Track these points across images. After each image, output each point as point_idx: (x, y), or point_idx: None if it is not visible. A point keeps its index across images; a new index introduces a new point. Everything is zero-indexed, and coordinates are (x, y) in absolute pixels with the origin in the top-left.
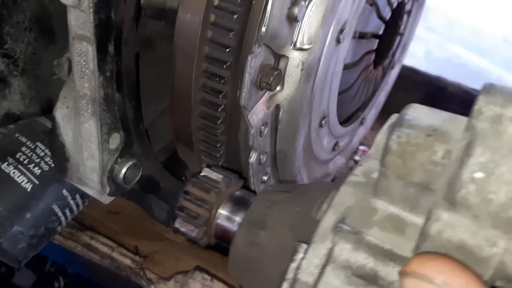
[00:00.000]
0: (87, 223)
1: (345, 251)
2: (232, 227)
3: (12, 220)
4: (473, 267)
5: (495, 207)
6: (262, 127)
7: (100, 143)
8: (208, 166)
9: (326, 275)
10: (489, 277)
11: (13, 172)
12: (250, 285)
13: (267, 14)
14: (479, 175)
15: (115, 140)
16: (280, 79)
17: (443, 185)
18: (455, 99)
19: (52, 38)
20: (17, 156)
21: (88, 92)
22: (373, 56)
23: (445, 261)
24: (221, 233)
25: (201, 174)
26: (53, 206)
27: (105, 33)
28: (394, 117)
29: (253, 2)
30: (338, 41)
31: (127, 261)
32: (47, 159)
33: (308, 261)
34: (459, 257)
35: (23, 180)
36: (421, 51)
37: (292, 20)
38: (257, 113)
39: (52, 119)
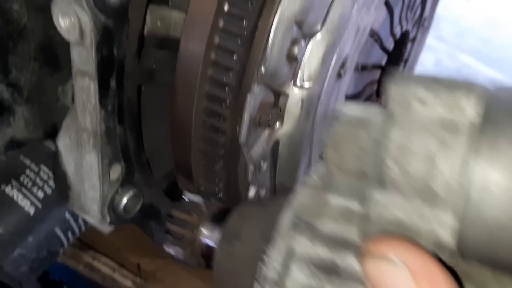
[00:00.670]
0: (90, 239)
1: (303, 245)
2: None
3: (15, 243)
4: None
5: (418, 181)
6: (261, 163)
7: (101, 175)
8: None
9: (291, 271)
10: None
11: (17, 196)
12: None
13: (267, 55)
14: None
15: (116, 171)
16: (280, 116)
17: (372, 168)
18: None
19: (57, 66)
20: (21, 179)
21: (90, 126)
22: (375, 86)
23: (399, 242)
24: (206, 251)
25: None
26: (55, 229)
27: (107, 69)
28: None
29: (253, 42)
30: (339, 75)
31: (128, 283)
32: (51, 182)
33: (272, 259)
34: (400, 234)
35: (26, 204)
36: (431, 61)
37: (292, 59)
38: (256, 149)
39: (55, 147)
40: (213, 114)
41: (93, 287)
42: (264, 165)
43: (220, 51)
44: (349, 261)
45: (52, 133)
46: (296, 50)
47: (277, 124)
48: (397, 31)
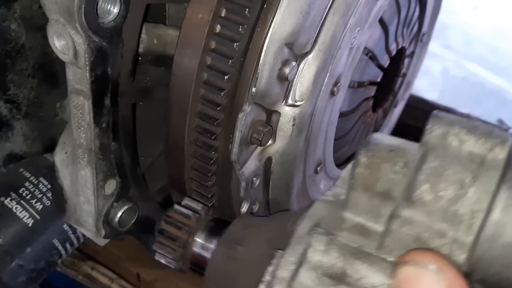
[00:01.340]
0: (91, 248)
1: (318, 252)
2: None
3: (13, 254)
4: None
5: (444, 203)
6: (254, 179)
7: (95, 189)
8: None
9: (300, 276)
10: None
11: (16, 208)
12: None
13: (257, 75)
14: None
15: (111, 186)
16: (271, 134)
17: (403, 189)
18: None
19: (55, 83)
20: (20, 191)
21: (84, 142)
22: (371, 102)
23: (437, 254)
24: (197, 258)
25: (174, 209)
26: (53, 241)
27: (102, 88)
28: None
29: (245, 63)
30: (332, 93)
31: None
32: (49, 194)
33: (285, 259)
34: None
35: (25, 215)
36: (438, 69)
37: (283, 79)
38: (249, 166)
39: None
40: (205, 132)
41: None
42: (257, 181)
43: (212, 72)
44: (361, 271)
45: (51, 147)
46: (287, 70)
47: (270, 141)
48: (393, 48)
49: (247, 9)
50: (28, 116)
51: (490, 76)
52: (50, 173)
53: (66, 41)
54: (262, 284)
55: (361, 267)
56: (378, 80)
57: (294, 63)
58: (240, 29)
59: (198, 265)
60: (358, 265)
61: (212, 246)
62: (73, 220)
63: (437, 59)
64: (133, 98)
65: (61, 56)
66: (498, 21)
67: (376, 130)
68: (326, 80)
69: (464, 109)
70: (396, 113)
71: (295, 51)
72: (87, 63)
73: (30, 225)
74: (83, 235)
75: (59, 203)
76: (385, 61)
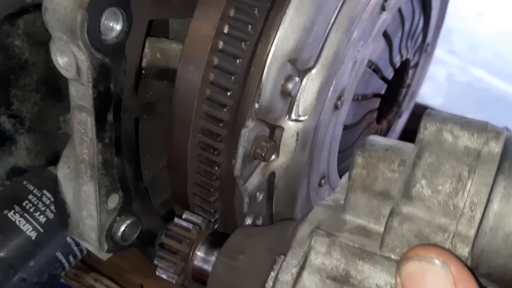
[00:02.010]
0: (95, 259)
1: (320, 254)
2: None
3: (16, 267)
4: None
5: (443, 197)
6: (257, 194)
7: (98, 204)
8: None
9: (302, 279)
10: None
11: (19, 221)
12: None
13: (260, 91)
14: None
15: (114, 200)
16: (275, 149)
17: (401, 187)
18: None
19: (58, 97)
20: (24, 204)
21: (87, 158)
22: (375, 114)
23: (441, 248)
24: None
25: (174, 223)
26: (57, 253)
27: (104, 104)
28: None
29: (247, 79)
30: (336, 107)
31: None
32: (53, 207)
33: (287, 263)
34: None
35: (28, 229)
36: (443, 75)
37: (286, 95)
38: (252, 181)
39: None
40: (208, 148)
41: None
42: (260, 196)
43: (215, 88)
44: (364, 271)
45: (54, 160)
46: (290, 86)
47: (273, 156)
48: (397, 60)
49: (249, 26)
50: (32, 130)
51: (496, 81)
52: (53, 186)
53: (69, 58)
54: None
55: (364, 268)
56: (382, 92)
57: (297, 79)
58: (243, 46)
59: (200, 279)
60: (361, 266)
61: (213, 258)
62: (76, 234)
63: (441, 65)
64: (136, 113)
65: (64, 72)
66: (503, 25)
67: None
68: (329, 94)
69: (469, 115)
70: (400, 123)
71: (298, 67)
72: (89, 79)
73: (33, 238)
74: (86, 248)
75: (62, 217)
76: (389, 74)
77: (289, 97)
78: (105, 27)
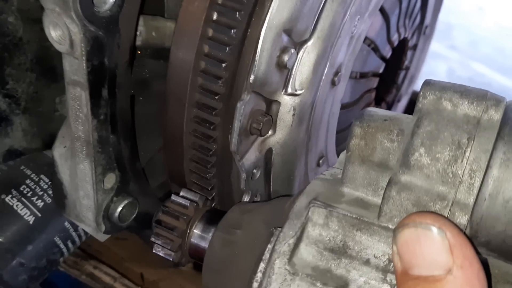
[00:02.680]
0: (94, 248)
1: (317, 225)
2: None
3: (14, 252)
4: None
5: (442, 164)
6: (254, 170)
7: (94, 183)
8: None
9: (300, 251)
10: None
11: (17, 205)
12: None
13: (256, 63)
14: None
15: (111, 180)
16: (271, 124)
17: (400, 156)
18: None
19: (53, 77)
20: (21, 188)
21: (82, 135)
22: (373, 94)
23: (437, 215)
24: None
25: (171, 200)
26: (55, 238)
27: (99, 79)
28: None
29: (242, 51)
30: (333, 83)
31: None
32: (50, 191)
33: (284, 234)
34: None
35: (26, 213)
36: (443, 70)
37: (282, 67)
38: (249, 157)
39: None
40: (204, 122)
41: None
42: (257, 173)
43: (210, 60)
44: (362, 242)
45: (51, 143)
46: (286, 58)
47: (270, 132)
48: (395, 39)
49: None
50: (27, 111)
51: (497, 76)
52: (50, 170)
53: (62, 31)
54: (262, 262)
55: (362, 238)
56: (380, 71)
57: (293, 51)
58: (237, 16)
59: (197, 256)
60: (359, 236)
61: (210, 235)
62: (73, 216)
63: (442, 60)
64: (131, 90)
65: (57, 46)
66: (503, 21)
67: None
68: (326, 69)
69: None
70: (400, 108)
71: (294, 39)
72: (83, 53)
73: (31, 222)
74: (85, 233)
75: (58, 198)
76: (387, 52)
77: (285, 70)
78: None
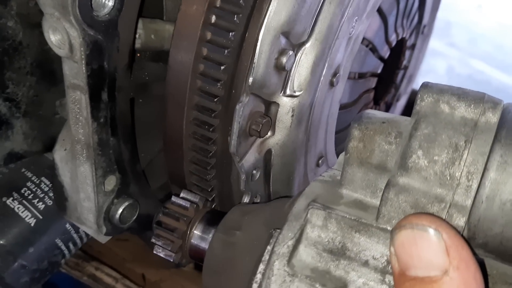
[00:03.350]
0: (96, 250)
1: (316, 227)
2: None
3: (15, 254)
4: None
5: (440, 167)
6: (254, 172)
7: (95, 186)
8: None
9: (299, 253)
10: None
11: (18, 208)
12: None
13: (254, 65)
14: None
15: (111, 182)
16: (270, 125)
17: (398, 159)
18: None
19: (53, 80)
20: (22, 191)
21: (83, 138)
22: (372, 94)
23: (433, 216)
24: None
25: (171, 201)
26: (56, 240)
27: (98, 82)
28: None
29: (241, 53)
30: (331, 84)
31: None
32: (51, 194)
33: (283, 235)
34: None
35: (27, 215)
36: (443, 67)
37: (280, 69)
38: (248, 158)
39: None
40: (203, 125)
41: None
42: (257, 174)
43: (208, 63)
44: (361, 244)
45: (51, 146)
46: (284, 60)
47: (269, 133)
48: (393, 39)
49: None
50: (28, 114)
51: (496, 74)
52: (52, 170)
53: (61, 35)
54: (262, 263)
55: (360, 240)
56: (379, 71)
57: (291, 52)
58: (235, 19)
59: (197, 257)
60: (358, 238)
61: (210, 236)
62: (74, 218)
63: (442, 58)
64: (131, 93)
65: (56, 50)
66: (502, 18)
67: None
68: (324, 70)
69: None
70: (399, 107)
71: (292, 41)
72: (82, 56)
73: (32, 225)
74: (86, 235)
75: (59, 201)
76: (385, 52)
77: (283, 72)
78: (97, 3)
